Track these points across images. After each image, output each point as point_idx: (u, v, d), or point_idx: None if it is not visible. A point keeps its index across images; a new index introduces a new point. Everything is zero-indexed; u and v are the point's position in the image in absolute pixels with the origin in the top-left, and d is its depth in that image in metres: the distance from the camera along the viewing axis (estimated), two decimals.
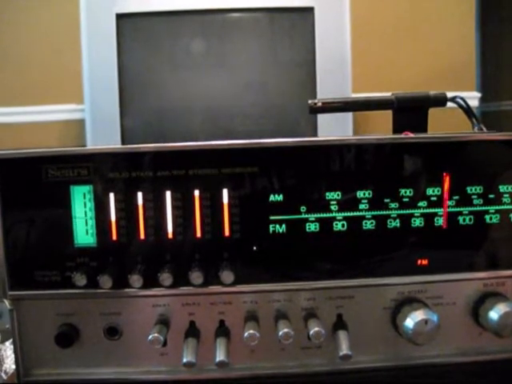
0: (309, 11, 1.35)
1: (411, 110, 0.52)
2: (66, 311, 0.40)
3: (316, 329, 0.38)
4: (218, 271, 0.39)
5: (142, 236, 0.39)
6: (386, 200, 0.39)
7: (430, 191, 0.39)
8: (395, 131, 0.52)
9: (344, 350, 0.38)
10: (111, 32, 1.32)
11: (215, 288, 0.39)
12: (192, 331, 0.39)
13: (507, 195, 0.40)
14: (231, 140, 0.39)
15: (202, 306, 0.40)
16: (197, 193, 0.38)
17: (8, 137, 1.58)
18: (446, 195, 0.40)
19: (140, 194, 0.38)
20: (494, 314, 0.39)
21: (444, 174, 0.39)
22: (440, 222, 0.40)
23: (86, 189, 0.38)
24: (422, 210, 0.40)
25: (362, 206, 0.39)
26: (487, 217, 0.40)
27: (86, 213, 0.38)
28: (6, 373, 0.43)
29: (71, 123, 1.61)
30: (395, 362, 0.41)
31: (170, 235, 0.39)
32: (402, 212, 0.39)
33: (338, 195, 0.39)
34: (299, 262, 0.40)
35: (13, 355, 0.41)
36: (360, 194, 0.39)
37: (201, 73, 1.37)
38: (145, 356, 0.40)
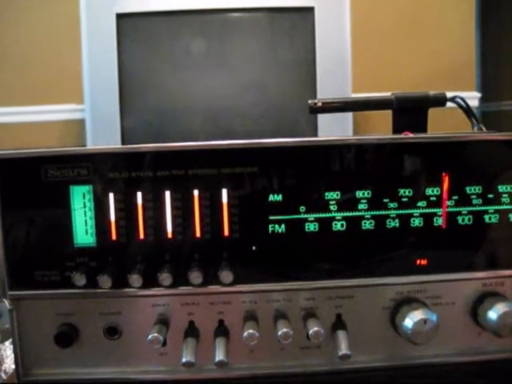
0: (309, 11, 1.34)
1: (411, 110, 0.52)
2: (66, 311, 0.40)
3: (315, 329, 0.38)
4: (217, 271, 0.39)
5: (142, 236, 0.39)
6: (386, 200, 0.39)
7: (429, 191, 0.40)
8: (395, 131, 0.52)
9: (343, 349, 0.38)
10: (111, 32, 1.32)
11: (214, 288, 0.39)
12: (191, 331, 0.39)
13: (506, 195, 0.40)
14: (231, 140, 0.39)
15: (202, 305, 0.40)
16: (196, 193, 0.38)
17: (8, 137, 1.57)
18: (445, 195, 0.40)
19: (140, 194, 0.38)
20: (493, 314, 0.39)
21: (443, 173, 0.39)
22: (439, 221, 0.40)
23: (86, 189, 0.38)
24: (421, 210, 0.40)
25: (361, 206, 0.39)
26: (486, 217, 0.40)
27: (85, 213, 0.38)
28: (5, 372, 0.43)
29: (71, 123, 1.61)
30: (394, 361, 0.41)
31: (170, 235, 0.39)
32: (401, 212, 0.39)
33: (337, 195, 0.39)
34: (298, 261, 0.40)
35: (12, 355, 0.41)
36: (359, 193, 0.39)
37: (201, 73, 1.37)
38: (144, 356, 0.40)
